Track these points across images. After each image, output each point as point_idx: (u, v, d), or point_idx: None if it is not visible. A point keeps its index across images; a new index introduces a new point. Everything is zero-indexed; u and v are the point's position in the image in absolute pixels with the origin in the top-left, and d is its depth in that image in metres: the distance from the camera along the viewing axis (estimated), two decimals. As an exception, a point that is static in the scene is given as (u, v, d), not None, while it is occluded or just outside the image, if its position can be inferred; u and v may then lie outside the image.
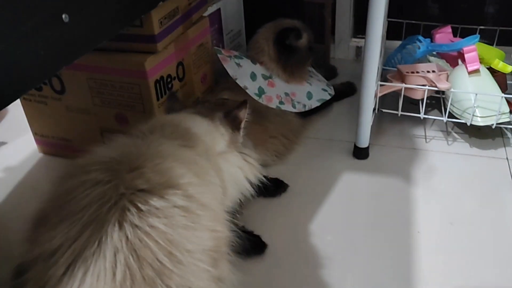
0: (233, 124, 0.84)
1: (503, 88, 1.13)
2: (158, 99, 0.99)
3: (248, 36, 1.35)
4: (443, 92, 1.17)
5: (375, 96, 1.06)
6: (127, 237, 0.54)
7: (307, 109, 1.18)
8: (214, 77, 1.22)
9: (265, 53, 1.17)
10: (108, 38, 0.71)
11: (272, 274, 0.83)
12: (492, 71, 1.14)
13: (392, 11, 1.29)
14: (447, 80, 1.13)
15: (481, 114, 1.07)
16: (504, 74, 1.16)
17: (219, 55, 1.13)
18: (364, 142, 1.08)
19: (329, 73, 1.42)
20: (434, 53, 1.29)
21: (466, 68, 1.10)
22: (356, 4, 1.49)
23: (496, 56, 1.17)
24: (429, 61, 1.27)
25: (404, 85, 1.11)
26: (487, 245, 0.87)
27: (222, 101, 1.09)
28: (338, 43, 1.55)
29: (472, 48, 1.11)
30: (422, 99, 1.12)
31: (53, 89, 1.05)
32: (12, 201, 1.05)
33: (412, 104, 1.18)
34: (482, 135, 1.15)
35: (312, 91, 1.22)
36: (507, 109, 1.07)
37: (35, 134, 1.17)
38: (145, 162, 0.62)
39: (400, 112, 1.13)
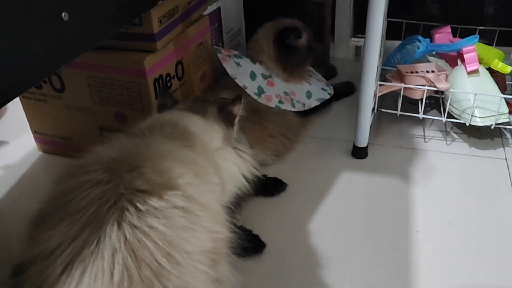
0: (227, 120, 0.83)
1: (502, 88, 1.13)
2: (157, 98, 0.99)
3: (248, 35, 1.35)
4: (442, 92, 1.17)
5: (375, 95, 1.06)
6: (125, 238, 0.54)
7: (306, 108, 1.19)
8: (214, 76, 1.22)
9: (264, 53, 1.18)
10: (108, 37, 0.70)
11: (271, 273, 0.83)
12: (491, 71, 1.14)
13: (392, 11, 1.29)
14: (446, 80, 1.13)
15: (480, 114, 1.07)
16: (503, 74, 1.16)
17: (218, 54, 1.13)
18: (363, 141, 1.08)
19: (329, 72, 1.42)
20: (434, 53, 1.29)
21: (466, 68, 1.11)
22: (355, 3, 1.49)
23: (495, 57, 1.17)
24: (429, 61, 1.27)
25: (403, 85, 1.11)
26: (485, 245, 0.87)
27: (222, 100, 1.09)
28: (338, 43, 1.55)
29: (472, 49, 1.11)
30: (421, 99, 1.12)
31: (53, 87, 1.05)
32: (11, 200, 1.05)
33: (411, 104, 1.18)
34: (481, 135, 1.15)
35: (311, 90, 1.22)
36: (506, 110, 1.07)
37: (34, 132, 1.16)
38: (145, 162, 0.62)
39: (399, 112, 1.13)
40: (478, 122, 1.07)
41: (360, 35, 1.55)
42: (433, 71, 1.14)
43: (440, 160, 1.09)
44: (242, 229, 0.87)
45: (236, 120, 0.84)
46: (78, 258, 0.53)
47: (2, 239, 0.92)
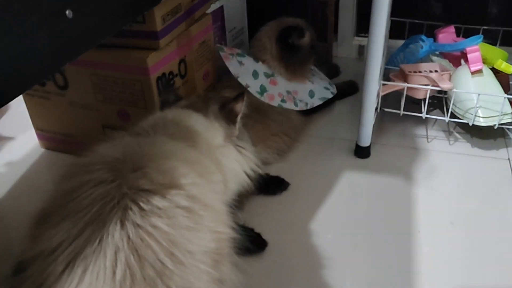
0: (229, 117, 0.83)
1: (506, 88, 1.13)
2: (160, 96, 0.99)
3: (251, 33, 1.35)
4: (445, 92, 1.17)
5: (378, 95, 1.06)
6: (128, 236, 0.54)
7: (309, 107, 1.18)
8: (216, 74, 1.22)
9: (267, 51, 1.17)
10: (111, 34, 0.70)
11: (272, 272, 0.83)
12: (495, 71, 1.13)
13: (395, 10, 1.29)
14: (449, 80, 1.12)
15: (484, 114, 1.06)
16: (507, 74, 1.16)
17: (221, 53, 1.13)
18: (366, 141, 1.08)
19: (332, 71, 1.42)
20: (437, 52, 1.28)
21: (469, 68, 1.10)
22: (359, 2, 1.49)
23: (499, 57, 1.16)
24: (432, 61, 1.26)
25: (406, 84, 1.11)
26: (487, 245, 0.87)
27: (224, 99, 1.09)
28: (341, 42, 1.54)
29: (475, 48, 1.11)
30: (424, 99, 1.11)
31: (56, 85, 1.05)
32: (13, 197, 1.05)
33: (414, 103, 1.18)
34: (484, 135, 1.14)
35: (314, 89, 1.22)
36: (510, 110, 1.06)
37: (37, 129, 1.17)
38: (149, 162, 0.62)
39: (402, 112, 1.13)
40: (481, 122, 1.07)
41: (363, 34, 1.55)
42: (436, 71, 1.13)
43: (443, 160, 1.09)
44: (244, 228, 0.88)
45: (238, 117, 0.83)
46: (80, 256, 0.53)
47: (4, 237, 0.92)
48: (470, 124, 1.07)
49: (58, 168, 1.00)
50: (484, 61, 1.13)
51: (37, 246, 0.56)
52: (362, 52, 1.54)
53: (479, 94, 1.04)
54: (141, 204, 0.56)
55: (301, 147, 1.14)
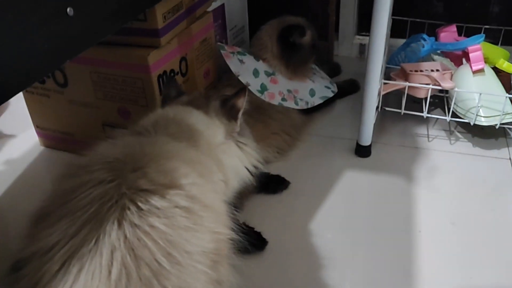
0: (230, 113, 0.81)
1: (508, 88, 1.12)
2: (161, 94, 0.99)
3: (252, 32, 1.35)
4: (446, 91, 1.16)
5: (379, 94, 1.06)
6: (125, 236, 0.54)
7: (309, 106, 1.18)
8: (217, 73, 1.22)
9: (268, 50, 1.17)
10: (112, 32, 0.70)
11: (272, 271, 0.83)
12: (497, 71, 1.13)
13: (397, 9, 1.29)
14: (451, 79, 1.12)
15: (485, 114, 1.06)
16: (509, 74, 1.15)
17: (222, 51, 1.13)
18: (366, 140, 1.08)
19: (333, 70, 1.42)
20: (439, 52, 1.28)
21: (471, 67, 1.10)
22: (360, 1, 1.48)
23: (501, 56, 1.16)
24: (433, 60, 1.26)
25: (407, 83, 1.10)
26: (488, 246, 0.87)
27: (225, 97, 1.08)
28: (342, 41, 1.54)
29: (477, 48, 1.11)
30: (426, 98, 1.11)
31: (56, 82, 1.05)
32: (13, 194, 1.05)
33: (415, 103, 1.18)
34: (485, 135, 1.14)
35: (315, 88, 1.21)
36: (511, 109, 1.06)
37: (37, 127, 1.16)
38: (149, 162, 0.61)
39: (403, 111, 1.12)
40: (483, 121, 1.06)
41: (364, 33, 1.54)
42: (437, 70, 1.13)
43: (444, 159, 1.08)
44: (244, 227, 0.87)
45: (240, 113, 0.82)
46: (76, 255, 0.53)
47: (2, 235, 0.92)
48: (472, 123, 1.07)
49: (57, 166, 1.00)
50: (486, 61, 1.12)
51: (34, 245, 0.56)
52: (363, 51, 1.54)
53: (480, 94, 1.04)
54: (140, 204, 0.56)
55: (302, 146, 1.14)
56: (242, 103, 0.81)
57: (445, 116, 1.12)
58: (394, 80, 1.15)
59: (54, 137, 1.15)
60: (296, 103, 1.16)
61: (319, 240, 0.88)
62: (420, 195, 0.98)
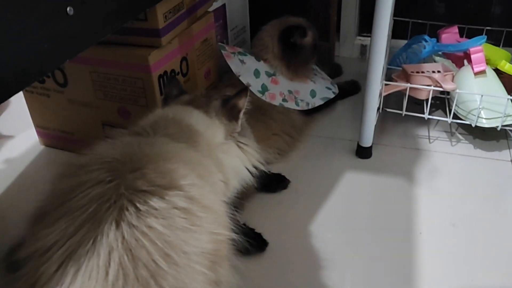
0: (231, 113, 0.81)
1: (509, 90, 1.12)
2: (161, 94, 0.98)
3: (253, 32, 1.34)
4: (448, 93, 1.16)
5: (380, 95, 1.06)
6: (123, 237, 0.54)
7: (310, 107, 1.18)
8: (218, 73, 1.21)
9: (269, 50, 1.17)
10: (112, 32, 0.70)
11: (272, 272, 0.83)
12: (499, 72, 1.13)
13: (398, 9, 1.28)
14: (452, 81, 1.12)
15: (486, 115, 1.06)
16: (511, 75, 1.15)
17: (222, 52, 1.12)
18: (367, 141, 1.07)
19: (334, 71, 1.41)
20: (440, 53, 1.28)
21: (472, 69, 1.10)
22: (362, 1, 1.48)
23: (502, 58, 1.15)
24: (435, 61, 1.26)
25: (409, 85, 1.10)
26: (489, 248, 0.86)
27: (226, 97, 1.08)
28: (343, 41, 1.54)
29: (479, 49, 1.10)
30: (427, 100, 1.11)
31: (56, 82, 1.05)
32: (13, 193, 1.04)
33: (416, 104, 1.17)
34: (487, 136, 1.14)
35: (315, 89, 1.21)
36: (513, 111, 1.06)
37: (36, 126, 1.16)
38: (148, 163, 0.61)
39: (404, 112, 1.12)
40: (484, 123, 1.06)
41: (365, 34, 1.54)
42: (439, 71, 1.13)
43: (445, 161, 1.08)
44: (244, 228, 0.87)
45: (241, 113, 0.81)
46: (74, 256, 0.52)
47: (2, 234, 0.92)
48: (473, 125, 1.07)
49: (57, 165, 0.99)
50: (488, 62, 1.12)
51: (32, 245, 0.56)
52: (365, 52, 1.53)
53: (482, 95, 1.04)
54: (138, 204, 0.56)
55: (302, 147, 1.14)
56: (243, 103, 0.81)
57: (446, 117, 1.12)
58: (395, 81, 1.15)
59: (54, 136, 1.15)
60: (297, 104, 1.16)
61: (320, 241, 0.88)
62: (421, 197, 0.97)
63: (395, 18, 1.30)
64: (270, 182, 0.99)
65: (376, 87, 1.00)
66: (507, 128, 1.09)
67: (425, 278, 0.80)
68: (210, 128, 0.78)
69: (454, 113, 1.10)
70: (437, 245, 0.87)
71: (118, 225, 0.54)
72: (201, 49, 1.12)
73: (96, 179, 0.58)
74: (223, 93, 1.10)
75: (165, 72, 0.99)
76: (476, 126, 1.07)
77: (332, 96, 1.23)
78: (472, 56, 1.10)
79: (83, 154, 0.65)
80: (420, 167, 1.06)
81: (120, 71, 0.97)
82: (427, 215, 0.93)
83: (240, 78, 1.10)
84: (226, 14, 1.29)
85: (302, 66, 1.20)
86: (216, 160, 0.75)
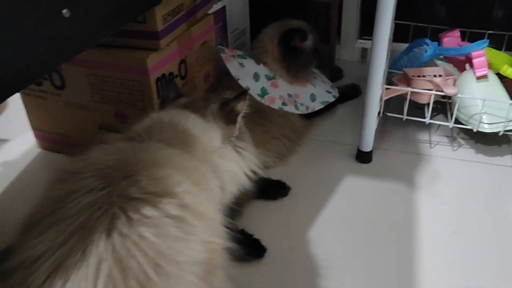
0: (229, 117, 0.79)
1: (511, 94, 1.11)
2: (159, 97, 0.97)
3: (253, 35, 1.34)
4: (449, 97, 1.15)
5: (380, 99, 1.05)
6: (113, 247, 0.52)
7: (310, 111, 1.17)
8: (217, 76, 1.20)
9: (269, 54, 1.16)
10: (110, 34, 0.69)
11: (271, 278, 0.82)
12: (501, 77, 1.12)
13: (400, 13, 1.27)
14: (454, 85, 1.11)
15: (488, 120, 1.05)
16: (513, 80, 1.14)
17: (222, 55, 1.12)
18: (367, 145, 1.06)
19: (335, 74, 1.41)
20: (442, 57, 1.26)
21: (474, 73, 1.09)
22: (363, 4, 1.47)
23: (505, 62, 1.14)
24: (436, 65, 1.25)
25: (410, 89, 1.09)
26: (492, 256, 0.85)
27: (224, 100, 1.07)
28: (344, 44, 1.53)
29: (481, 53, 1.09)
30: (428, 104, 1.10)
31: (53, 85, 1.04)
32: (10, 197, 1.03)
33: (417, 108, 1.16)
34: (488, 142, 1.13)
35: (315, 93, 1.20)
36: (515, 116, 1.05)
37: (34, 129, 1.15)
38: (142, 170, 0.60)
39: (405, 117, 1.11)
40: (486, 128, 1.05)
41: (366, 37, 1.53)
42: (440, 76, 1.12)
43: (446, 166, 1.07)
44: (243, 233, 0.86)
45: (239, 117, 0.80)
46: (62, 267, 0.51)
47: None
48: (475, 130, 1.06)
49: (54, 168, 0.98)
50: (490, 66, 1.11)
51: (20, 255, 0.54)
52: (365, 55, 1.52)
53: (484, 100, 1.03)
54: (130, 213, 0.54)
55: (302, 151, 1.13)
56: (241, 107, 0.79)
57: (448, 122, 1.11)
58: (396, 85, 1.14)
59: (51, 139, 1.14)
60: (297, 108, 1.15)
61: (319, 247, 0.87)
62: (421, 203, 0.96)
63: (396, 21, 1.30)
64: (270, 189, 0.98)
65: (376, 91, 0.99)
66: (509, 133, 1.08)
67: (426, 285, 0.79)
68: (207, 132, 0.76)
69: (455, 118, 1.09)
70: (438, 253, 0.85)
71: (109, 235, 0.53)
72: (200, 52, 1.11)
73: (88, 187, 0.57)
74: (222, 96, 1.09)
75: (163, 75, 0.98)
76: (478, 131, 1.06)
77: (332, 100, 1.22)
78: (474, 60, 1.09)
79: (76, 159, 0.64)
80: (421, 172, 1.05)
81: (117, 74, 0.96)
82: (428, 222, 0.92)
83: (239, 81, 1.09)
84: (226, 17, 1.29)
85: (302, 70, 1.19)
86: (213, 165, 0.73)
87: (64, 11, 0.57)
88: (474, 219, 0.93)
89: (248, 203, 0.95)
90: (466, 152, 1.11)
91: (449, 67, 1.24)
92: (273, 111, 1.11)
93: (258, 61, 1.15)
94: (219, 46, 1.17)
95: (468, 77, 1.11)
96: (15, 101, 1.14)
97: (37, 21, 0.54)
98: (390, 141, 1.15)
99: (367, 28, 1.52)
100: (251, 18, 1.42)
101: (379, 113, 1.07)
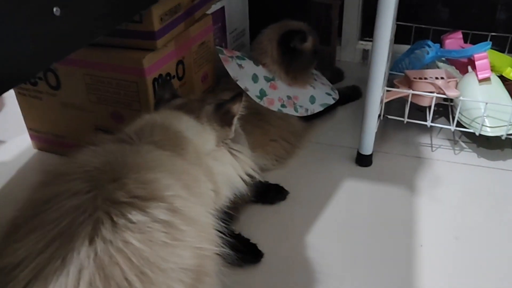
0: (224, 119, 0.77)
1: (514, 97, 1.09)
2: (155, 98, 0.96)
3: (252, 35, 1.32)
4: (451, 100, 1.14)
5: (381, 101, 1.03)
6: (96, 253, 0.50)
7: (309, 113, 1.15)
8: (215, 77, 1.19)
9: (268, 55, 1.14)
10: (103, 34, 0.67)
11: (268, 284, 0.80)
12: (503, 79, 1.10)
13: (401, 14, 1.26)
14: (456, 88, 1.09)
15: (491, 124, 1.03)
16: (516, 83, 1.12)
17: (220, 55, 1.10)
18: (368, 149, 1.05)
19: (335, 76, 1.39)
20: (444, 59, 1.25)
21: (477, 75, 1.07)
22: (364, 5, 1.46)
23: (507, 64, 1.13)
24: (438, 67, 1.23)
25: (411, 91, 1.08)
26: (494, 262, 0.83)
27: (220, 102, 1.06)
28: (345, 46, 1.51)
29: (484, 55, 1.08)
30: (430, 107, 1.08)
31: (49, 85, 1.02)
32: (5, 197, 1.02)
33: (419, 111, 1.15)
34: (491, 145, 1.11)
35: (315, 95, 1.18)
36: (518, 120, 1.03)
37: (29, 129, 1.14)
38: (130, 173, 0.58)
39: (406, 119, 1.10)
40: (489, 132, 1.03)
41: (367, 38, 1.52)
42: (442, 78, 1.10)
43: (448, 170, 1.05)
44: (239, 238, 0.84)
45: (235, 119, 0.77)
46: (41, 274, 0.49)
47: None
48: (477, 133, 1.04)
49: (40, 170, 0.97)
50: (492, 69, 1.10)
51: (1, 260, 0.52)
52: (366, 57, 1.51)
53: (486, 103, 1.01)
54: (114, 217, 0.52)
55: (301, 154, 1.11)
56: (237, 108, 0.77)
57: (450, 125, 1.09)
58: (398, 87, 1.12)
59: (46, 140, 1.12)
60: (296, 110, 1.13)
61: (317, 253, 0.85)
62: (422, 207, 0.95)
63: (398, 22, 1.28)
64: (268, 193, 0.97)
65: (377, 93, 0.98)
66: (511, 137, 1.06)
67: (426, 293, 0.78)
68: (200, 135, 0.74)
69: (457, 121, 1.07)
70: (439, 259, 0.84)
71: (91, 241, 0.50)
72: (198, 52, 1.10)
73: (73, 190, 0.55)
74: (219, 97, 1.08)
75: (160, 75, 0.97)
76: (480, 134, 1.04)
77: (332, 102, 1.21)
78: (477, 63, 1.07)
79: (63, 161, 0.62)
80: (422, 176, 1.03)
81: (114, 74, 0.95)
82: (429, 226, 0.90)
83: (238, 82, 1.08)
84: (225, 17, 1.27)
85: (302, 72, 1.17)
86: (206, 168, 0.71)
87: (55, 9, 0.56)
88: (476, 225, 0.91)
89: (244, 207, 0.94)
90: (468, 156, 1.09)
91: (451, 69, 1.23)
92: (272, 113, 1.10)
93: (257, 62, 1.14)
94: (217, 47, 1.15)
95: (470, 79, 1.09)
96: (12, 102, 1.13)
97: (27, 19, 0.53)
98: (390, 144, 1.13)
99: (368, 29, 1.51)
100: (251, 18, 1.41)
101: (379, 115, 1.06)
